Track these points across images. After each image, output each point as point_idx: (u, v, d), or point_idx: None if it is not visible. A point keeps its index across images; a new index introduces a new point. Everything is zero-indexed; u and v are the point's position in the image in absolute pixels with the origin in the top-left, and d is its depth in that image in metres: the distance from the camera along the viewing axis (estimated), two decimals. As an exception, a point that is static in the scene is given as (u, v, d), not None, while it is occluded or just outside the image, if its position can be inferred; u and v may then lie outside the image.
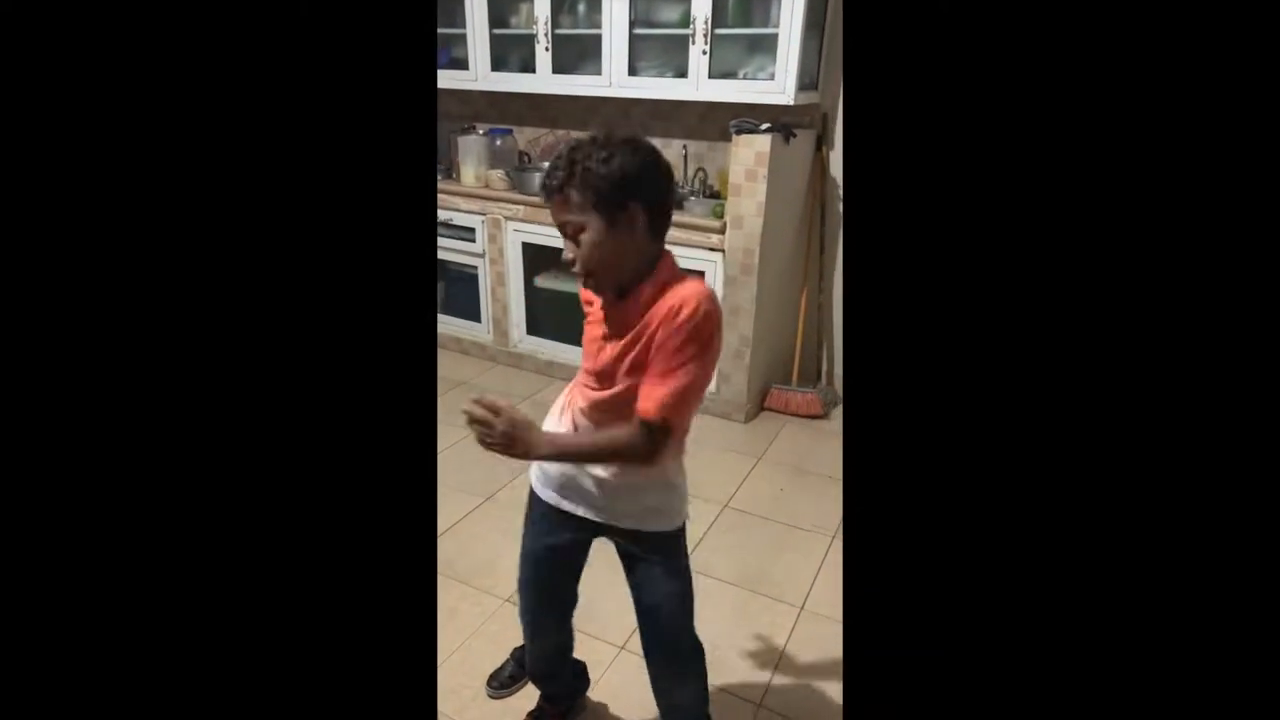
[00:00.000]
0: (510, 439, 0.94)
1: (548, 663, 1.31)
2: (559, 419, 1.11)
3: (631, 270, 0.97)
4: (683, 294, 0.94)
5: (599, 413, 1.04)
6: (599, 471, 1.06)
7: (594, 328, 1.05)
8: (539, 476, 1.15)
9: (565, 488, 1.12)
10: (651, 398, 0.94)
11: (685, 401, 0.95)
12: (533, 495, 1.18)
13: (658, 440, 0.96)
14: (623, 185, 0.91)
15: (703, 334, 0.92)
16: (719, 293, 2.53)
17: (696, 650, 1.21)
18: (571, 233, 0.94)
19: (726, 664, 1.56)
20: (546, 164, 0.98)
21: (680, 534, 1.14)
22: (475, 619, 1.67)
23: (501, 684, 1.48)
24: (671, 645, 1.18)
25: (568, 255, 0.96)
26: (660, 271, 0.98)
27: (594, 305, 1.05)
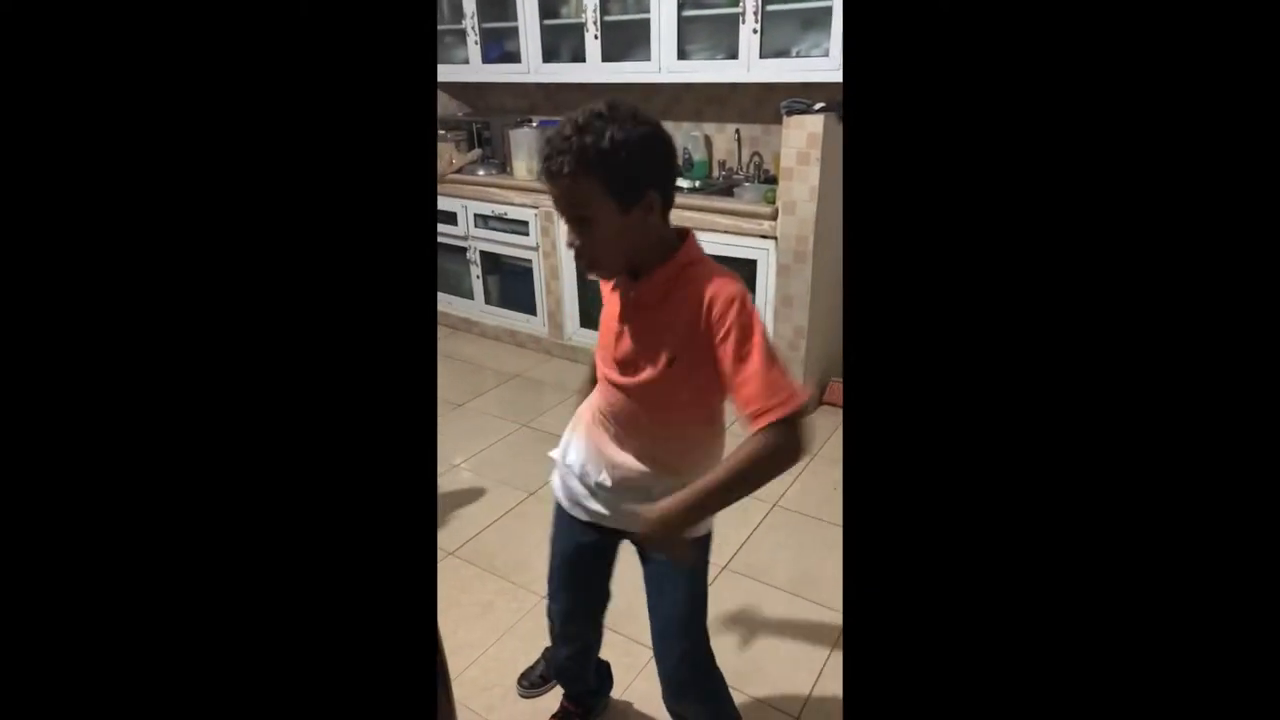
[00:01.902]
0: (660, 528, 0.88)
1: (573, 661, 1.27)
2: (573, 433, 1.07)
3: (644, 257, 0.90)
4: (712, 290, 0.86)
5: (628, 405, 0.97)
6: (600, 477, 1.01)
7: (611, 315, 0.98)
8: (555, 482, 1.11)
9: (571, 495, 1.07)
10: (755, 398, 0.83)
11: (780, 378, 0.84)
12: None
13: (792, 430, 0.83)
14: (638, 169, 0.83)
15: (747, 314, 0.84)
16: (771, 282, 2.43)
17: (705, 665, 1.12)
18: (578, 220, 0.86)
19: (765, 674, 1.49)
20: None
21: (699, 542, 1.06)
22: (511, 615, 1.66)
23: (532, 684, 1.46)
24: (677, 656, 1.10)
25: (573, 243, 0.89)
26: (682, 253, 0.90)
27: (611, 290, 0.98)
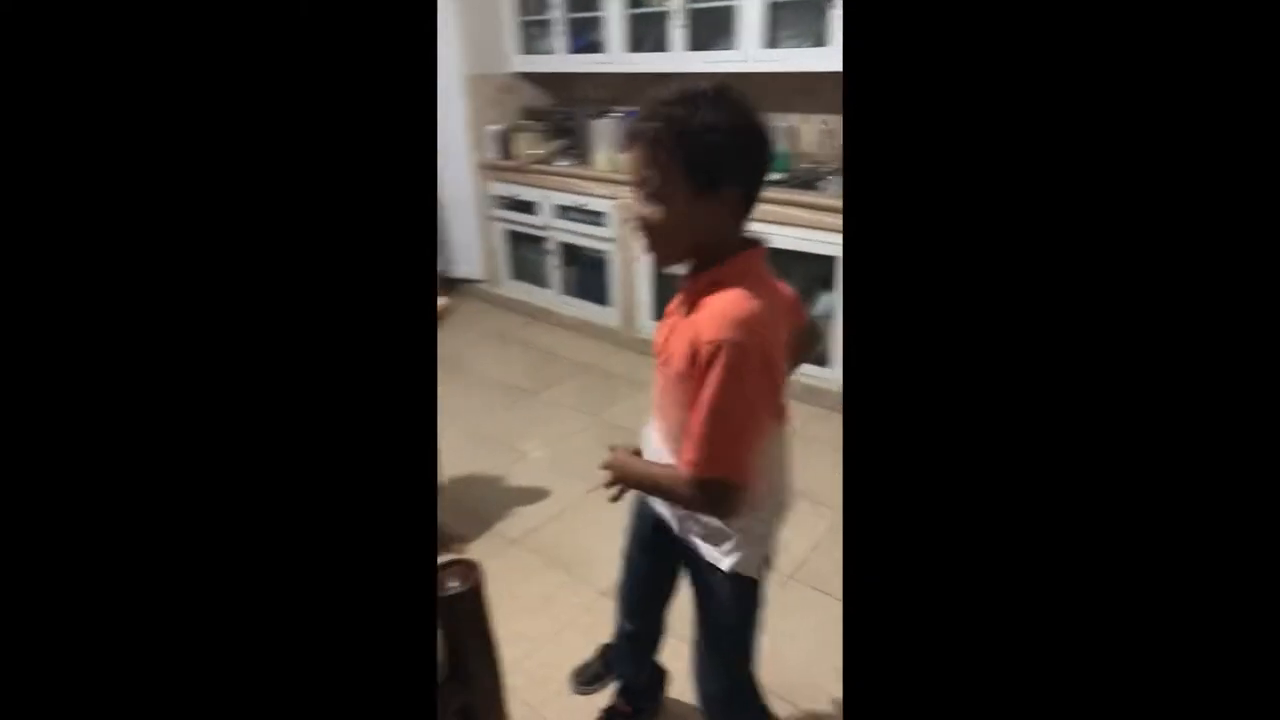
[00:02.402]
0: (609, 466, 0.95)
1: (632, 650, 1.26)
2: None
3: (705, 254, 0.85)
4: (713, 322, 0.79)
5: (658, 394, 0.95)
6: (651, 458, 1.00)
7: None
8: None
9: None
10: (696, 448, 0.82)
11: (735, 452, 0.82)
12: None
13: (714, 496, 0.83)
14: (723, 160, 0.78)
15: (723, 366, 0.78)
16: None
17: (743, 695, 1.09)
18: (648, 194, 0.81)
19: (817, 690, 1.42)
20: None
21: (744, 584, 1.00)
22: (570, 609, 1.65)
23: (586, 680, 1.44)
24: (712, 677, 1.08)
25: (637, 213, 0.84)
26: (734, 263, 0.84)
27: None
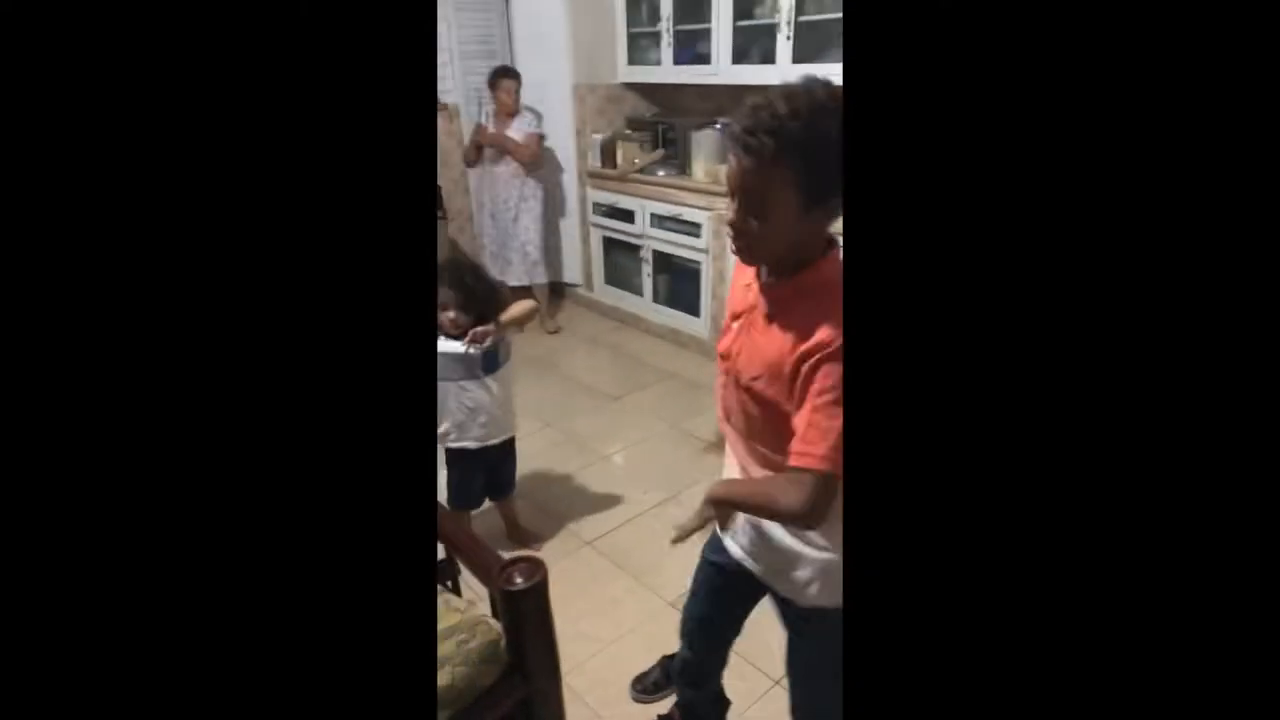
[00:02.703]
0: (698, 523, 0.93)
1: (691, 676, 1.24)
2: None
3: (796, 257, 0.82)
4: (819, 327, 0.78)
5: (726, 403, 0.93)
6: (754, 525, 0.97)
7: (734, 301, 0.93)
8: None
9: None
10: (810, 442, 0.78)
11: (841, 453, 0.78)
12: None
13: (818, 495, 0.79)
14: (837, 177, 0.71)
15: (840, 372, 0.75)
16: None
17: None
18: (752, 203, 0.78)
19: None
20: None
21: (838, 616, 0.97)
22: (636, 616, 1.66)
23: (645, 689, 1.45)
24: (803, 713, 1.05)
25: (735, 222, 0.80)
26: (825, 266, 0.82)
27: (748, 279, 0.91)
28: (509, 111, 3.11)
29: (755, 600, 1.09)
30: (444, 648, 1.06)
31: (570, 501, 2.13)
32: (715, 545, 1.08)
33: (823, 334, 0.77)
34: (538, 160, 3.23)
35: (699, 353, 3.18)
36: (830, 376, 0.77)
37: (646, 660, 1.51)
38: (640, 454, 2.39)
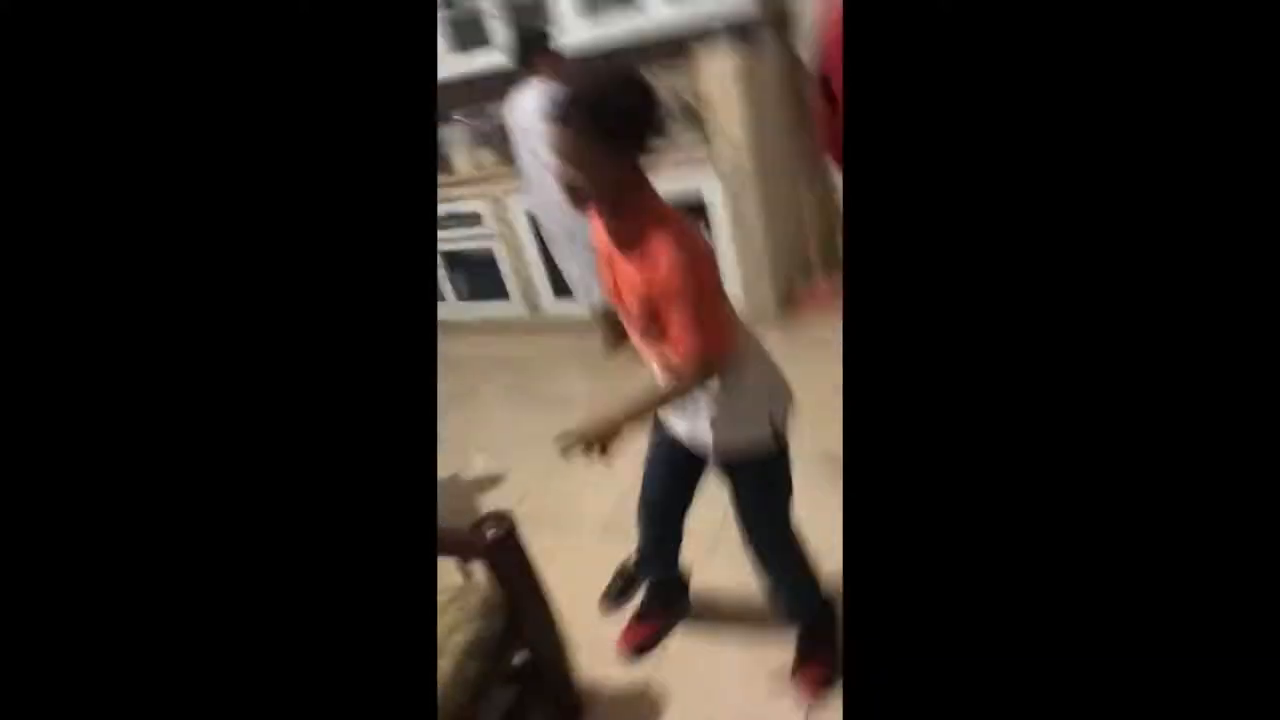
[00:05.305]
0: (588, 436, 1.05)
1: (660, 552, 1.45)
2: None
3: (615, 194, 1.02)
4: (655, 249, 0.98)
5: (627, 325, 1.15)
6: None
7: (598, 241, 1.12)
8: None
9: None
10: (685, 346, 1.01)
11: (719, 336, 1.02)
12: None
13: (704, 368, 1.03)
14: (621, 125, 0.95)
15: (694, 276, 0.98)
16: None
17: (786, 548, 1.29)
18: (573, 161, 0.98)
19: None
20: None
21: (771, 460, 1.18)
22: (570, 561, 1.79)
23: (614, 596, 1.62)
24: (759, 550, 1.29)
25: (563, 178, 1.01)
26: (645, 198, 1.03)
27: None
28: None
29: (697, 474, 1.31)
30: (447, 614, 1.16)
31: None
32: (659, 432, 1.29)
33: (664, 260, 0.98)
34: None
35: (525, 332, 3.27)
36: (682, 292, 0.98)
37: (600, 585, 1.66)
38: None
